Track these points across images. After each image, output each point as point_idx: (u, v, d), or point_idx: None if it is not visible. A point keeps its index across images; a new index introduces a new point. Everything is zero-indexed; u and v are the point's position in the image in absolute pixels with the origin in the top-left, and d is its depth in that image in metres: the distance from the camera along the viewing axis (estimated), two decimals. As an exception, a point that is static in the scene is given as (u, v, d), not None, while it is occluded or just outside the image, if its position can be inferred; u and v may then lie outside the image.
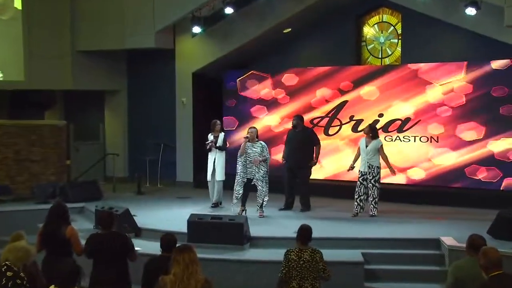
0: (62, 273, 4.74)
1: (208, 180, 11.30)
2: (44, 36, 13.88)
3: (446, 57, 11.97)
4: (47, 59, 13.85)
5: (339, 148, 12.76)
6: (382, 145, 10.27)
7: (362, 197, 10.23)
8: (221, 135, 11.31)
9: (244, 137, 10.38)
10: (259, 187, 10.14)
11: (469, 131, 11.55)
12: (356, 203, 10.26)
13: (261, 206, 10.27)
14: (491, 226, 8.51)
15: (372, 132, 10.36)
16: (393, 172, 10.31)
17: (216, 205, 11.21)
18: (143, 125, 14.95)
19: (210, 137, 11.23)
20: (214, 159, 11.20)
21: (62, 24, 14.13)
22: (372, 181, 10.15)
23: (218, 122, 11.50)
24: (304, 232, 6.10)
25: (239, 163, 10.30)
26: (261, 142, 10.30)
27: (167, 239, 5.85)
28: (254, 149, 10.16)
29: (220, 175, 11.17)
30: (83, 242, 6.50)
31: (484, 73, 11.38)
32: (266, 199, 10.24)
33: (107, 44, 14.12)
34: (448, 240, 8.24)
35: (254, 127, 10.54)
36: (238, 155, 10.32)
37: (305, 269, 5.88)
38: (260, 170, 10.14)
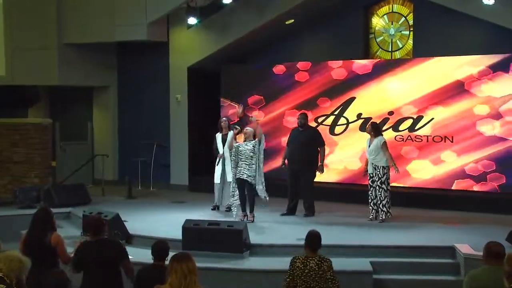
0: (49, 285, 4.70)
1: (216, 182, 11.26)
2: (28, 27, 13.83)
3: (462, 50, 11.95)
4: (30, 53, 13.81)
5: (346, 149, 12.78)
6: (384, 142, 10.22)
7: (374, 201, 10.24)
8: (230, 133, 11.20)
9: (234, 128, 10.37)
10: (245, 188, 10.12)
11: (488, 129, 11.55)
12: (370, 207, 10.30)
13: (251, 211, 10.23)
14: (510, 233, 8.48)
15: (374, 130, 10.35)
16: (397, 170, 10.26)
17: (215, 208, 11.23)
18: (134, 124, 14.94)
19: (218, 137, 11.21)
20: (224, 159, 11.10)
21: (47, 15, 14.07)
22: (378, 183, 10.14)
23: (224, 119, 11.52)
24: (312, 239, 6.10)
25: (231, 159, 10.31)
26: (256, 141, 10.17)
27: (160, 246, 5.86)
28: (246, 146, 10.11)
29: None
30: (70, 250, 6.48)
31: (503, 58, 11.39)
32: (263, 197, 10.17)
33: (95, 37, 14.07)
34: (463, 248, 8.23)
35: (252, 129, 10.50)
36: (228, 148, 10.30)
37: (311, 278, 5.87)
38: (251, 167, 10.04)
